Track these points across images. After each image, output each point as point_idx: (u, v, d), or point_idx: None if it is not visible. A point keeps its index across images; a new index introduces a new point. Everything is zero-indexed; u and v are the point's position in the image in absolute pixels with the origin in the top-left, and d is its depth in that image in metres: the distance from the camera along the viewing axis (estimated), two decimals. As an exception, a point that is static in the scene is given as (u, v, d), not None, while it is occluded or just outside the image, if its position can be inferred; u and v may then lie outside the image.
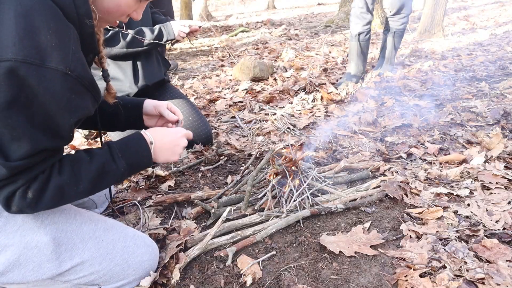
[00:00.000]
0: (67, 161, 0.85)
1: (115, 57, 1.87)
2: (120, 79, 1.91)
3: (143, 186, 1.70)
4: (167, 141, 1.03)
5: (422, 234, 1.30)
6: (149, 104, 1.22)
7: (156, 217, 1.47)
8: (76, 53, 0.75)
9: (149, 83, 1.98)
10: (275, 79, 3.62)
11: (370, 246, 1.26)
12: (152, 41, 1.88)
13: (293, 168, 1.54)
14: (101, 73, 1.00)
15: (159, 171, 1.80)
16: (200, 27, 2.03)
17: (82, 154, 0.89)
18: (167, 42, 1.97)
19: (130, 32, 1.80)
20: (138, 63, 1.94)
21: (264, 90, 3.34)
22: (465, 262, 1.15)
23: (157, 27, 1.93)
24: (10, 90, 0.67)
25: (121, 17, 0.90)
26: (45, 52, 0.68)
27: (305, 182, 1.53)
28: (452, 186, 1.62)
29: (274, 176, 1.52)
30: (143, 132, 1.00)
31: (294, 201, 1.45)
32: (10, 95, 0.67)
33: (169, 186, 1.71)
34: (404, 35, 3.45)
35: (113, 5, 0.84)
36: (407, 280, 1.09)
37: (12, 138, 0.71)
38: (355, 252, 1.24)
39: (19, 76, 0.66)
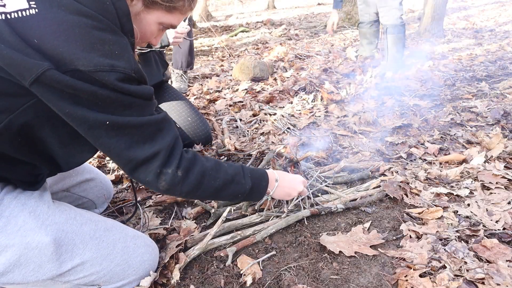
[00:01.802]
0: (212, 159, 1.02)
1: None
2: None
3: (143, 186, 1.70)
4: (286, 184, 1.22)
5: (422, 234, 1.30)
6: None
7: (156, 217, 1.47)
8: (134, 58, 0.83)
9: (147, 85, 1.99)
10: (275, 79, 3.62)
11: (370, 246, 1.27)
12: (145, 49, 1.91)
13: (294, 169, 1.54)
14: None
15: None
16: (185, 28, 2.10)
17: (220, 160, 1.06)
18: (161, 49, 2.04)
19: None
20: None
21: (264, 90, 3.34)
22: (465, 262, 1.15)
23: None
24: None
25: (142, 43, 0.97)
26: (112, 60, 0.75)
27: (305, 182, 1.53)
28: (452, 186, 1.62)
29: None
30: (269, 171, 1.19)
31: (295, 201, 1.45)
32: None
33: (169, 186, 1.71)
34: (400, 35, 3.32)
35: (140, 32, 0.90)
36: (407, 280, 1.09)
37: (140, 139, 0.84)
38: (355, 252, 1.24)
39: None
